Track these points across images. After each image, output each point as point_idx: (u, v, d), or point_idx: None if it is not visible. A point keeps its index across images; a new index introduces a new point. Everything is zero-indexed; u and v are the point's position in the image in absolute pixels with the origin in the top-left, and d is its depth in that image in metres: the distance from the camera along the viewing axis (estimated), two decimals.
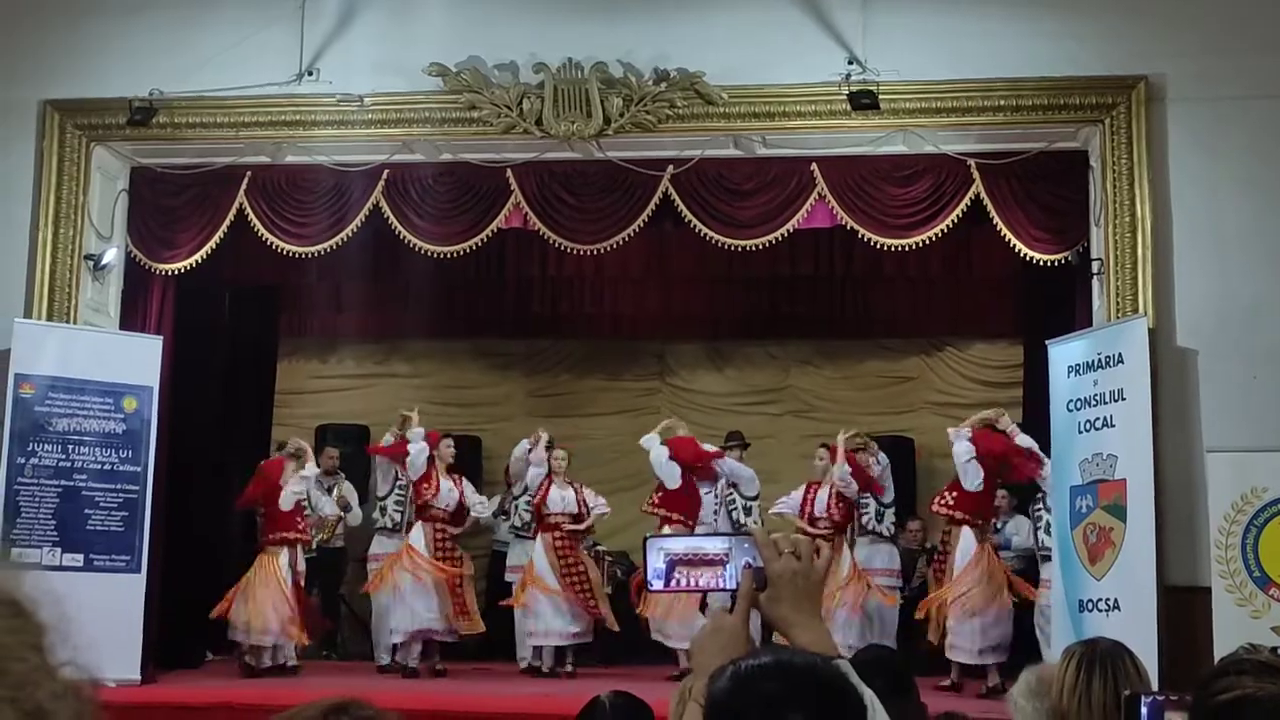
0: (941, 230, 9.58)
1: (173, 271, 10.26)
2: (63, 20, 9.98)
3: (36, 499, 9.44)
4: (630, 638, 11.24)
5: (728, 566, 2.17)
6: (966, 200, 9.49)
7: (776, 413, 14.71)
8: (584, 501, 11.27)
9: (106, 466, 9.67)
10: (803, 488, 11.14)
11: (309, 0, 9.83)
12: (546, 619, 11.01)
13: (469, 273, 12.06)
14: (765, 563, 2.12)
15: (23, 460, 9.45)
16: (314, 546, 11.96)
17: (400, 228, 10.04)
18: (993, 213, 9.45)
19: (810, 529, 10.58)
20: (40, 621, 1.24)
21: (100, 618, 8.03)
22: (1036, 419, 10.40)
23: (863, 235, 9.72)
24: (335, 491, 12.23)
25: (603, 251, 10.14)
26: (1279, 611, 8.23)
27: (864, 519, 11.53)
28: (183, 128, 9.86)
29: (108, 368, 9.73)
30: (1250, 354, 8.70)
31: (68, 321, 9.77)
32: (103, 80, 9.88)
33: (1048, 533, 9.68)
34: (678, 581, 2.22)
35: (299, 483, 10.97)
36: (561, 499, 11.21)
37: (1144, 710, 2.82)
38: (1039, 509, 10.26)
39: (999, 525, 11.38)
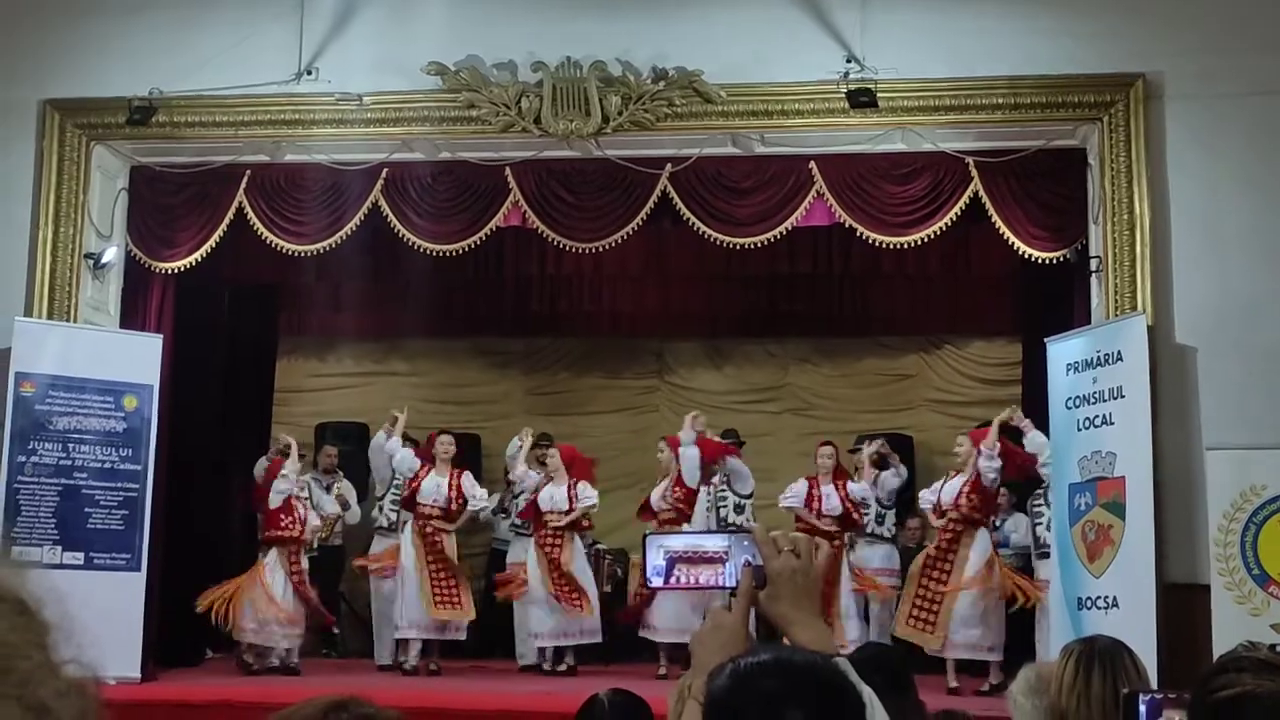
0: (940, 228, 9.59)
1: (172, 270, 10.26)
2: (62, 20, 9.99)
3: (37, 497, 9.45)
4: (630, 636, 11.22)
5: (727, 564, 2.18)
6: (965, 198, 9.49)
7: (775, 411, 14.71)
8: (574, 496, 11.23)
9: (107, 465, 9.67)
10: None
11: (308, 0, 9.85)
12: (543, 618, 11.00)
13: (468, 271, 12.06)
14: (765, 560, 2.13)
15: (23, 459, 9.45)
16: (315, 545, 11.97)
17: (399, 226, 10.04)
18: (991, 210, 9.45)
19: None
20: (44, 619, 1.24)
21: (101, 616, 8.02)
22: (1035, 417, 10.39)
23: (861, 233, 9.72)
24: (334, 490, 12.23)
25: (601, 250, 10.14)
26: (1278, 609, 8.24)
27: (866, 520, 11.55)
28: (182, 127, 9.87)
29: (108, 366, 9.73)
30: (1249, 351, 8.70)
31: (68, 320, 9.78)
32: (102, 80, 9.88)
33: (1048, 529, 9.67)
34: (677, 579, 2.22)
35: (282, 480, 10.96)
36: (551, 497, 11.21)
37: (1143, 708, 2.83)
38: (1039, 505, 10.23)
39: (998, 523, 11.39)
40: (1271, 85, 8.89)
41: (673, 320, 14.69)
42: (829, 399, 14.67)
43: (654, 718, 4.20)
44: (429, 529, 11.06)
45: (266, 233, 10.12)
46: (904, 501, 12.41)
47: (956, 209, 9.52)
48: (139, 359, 9.88)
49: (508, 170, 9.90)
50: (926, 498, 10.76)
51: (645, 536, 2.27)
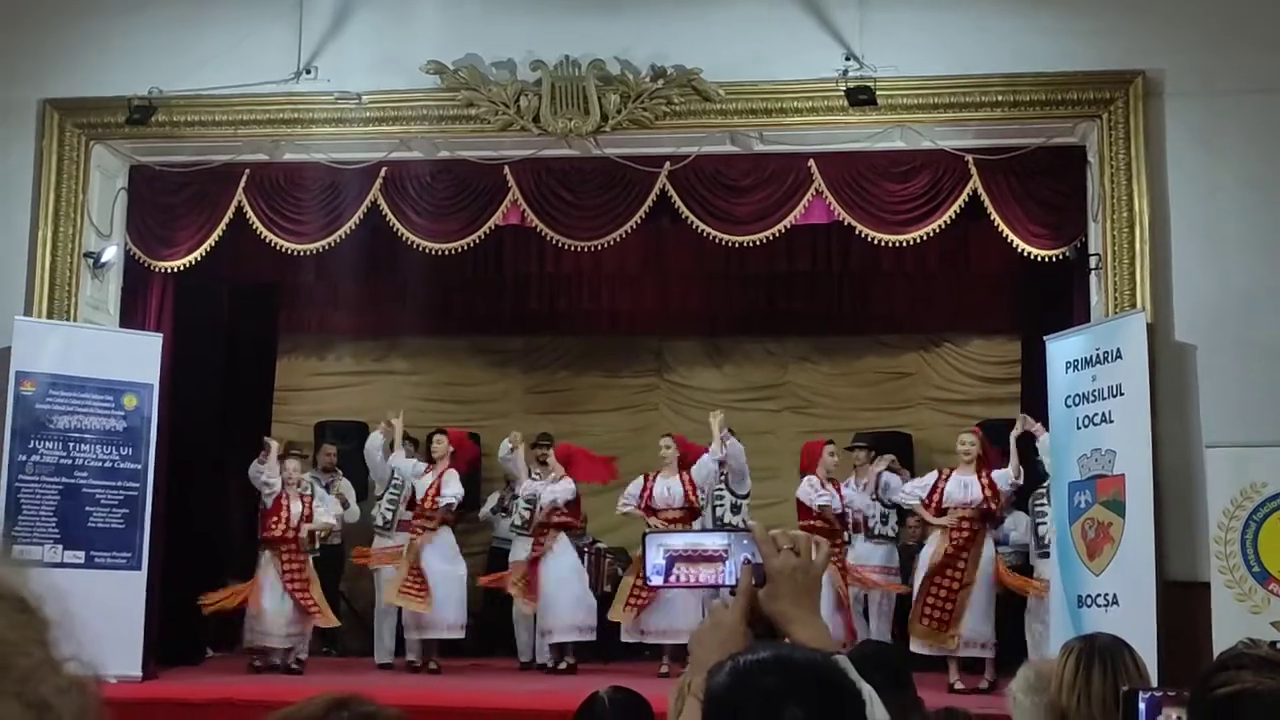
0: (939, 226, 9.59)
1: (172, 269, 10.26)
2: (62, 19, 9.99)
3: (37, 496, 9.45)
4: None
5: (727, 562, 2.18)
6: (964, 196, 9.49)
7: (775, 409, 14.71)
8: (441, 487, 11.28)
9: (107, 464, 9.67)
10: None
11: None
12: (558, 616, 11.01)
13: (467, 270, 12.06)
14: (764, 559, 2.13)
15: (24, 458, 9.45)
16: (317, 546, 12.00)
17: (398, 225, 10.04)
18: (990, 208, 9.45)
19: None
20: (44, 617, 1.25)
21: (101, 615, 8.02)
22: (1035, 415, 10.40)
23: (860, 231, 9.72)
24: (334, 489, 12.23)
25: (600, 248, 10.14)
26: (1278, 606, 8.24)
27: (870, 522, 11.55)
28: (181, 126, 9.87)
29: (108, 365, 9.73)
30: (1249, 349, 8.70)
31: (68, 319, 9.78)
32: (102, 79, 9.88)
33: (1051, 527, 9.65)
34: (677, 578, 2.22)
35: (265, 483, 11.01)
36: (550, 495, 11.27)
37: (1142, 705, 2.83)
38: (1041, 504, 10.21)
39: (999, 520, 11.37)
40: (1271, 83, 8.89)
41: (672, 319, 14.69)
42: (828, 397, 14.67)
43: (655, 716, 4.20)
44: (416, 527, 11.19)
45: (266, 232, 10.12)
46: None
47: (956, 207, 9.52)
48: (139, 358, 9.88)
49: (506, 169, 9.90)
50: (914, 493, 10.68)
51: (645, 535, 2.27)
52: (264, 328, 13.74)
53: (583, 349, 15.12)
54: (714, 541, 2.22)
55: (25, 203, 9.83)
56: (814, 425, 13.73)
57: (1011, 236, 9.46)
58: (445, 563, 11.17)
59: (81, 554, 9.46)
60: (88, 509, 9.56)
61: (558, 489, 11.28)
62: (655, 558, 2.21)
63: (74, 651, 1.25)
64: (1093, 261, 9.20)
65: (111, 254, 10.04)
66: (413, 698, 8.34)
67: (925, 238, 9.68)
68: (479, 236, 10.09)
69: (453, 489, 11.26)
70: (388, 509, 11.85)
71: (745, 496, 11.66)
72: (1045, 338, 9.44)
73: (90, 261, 9.92)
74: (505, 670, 11.24)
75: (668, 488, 11.07)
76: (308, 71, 9.73)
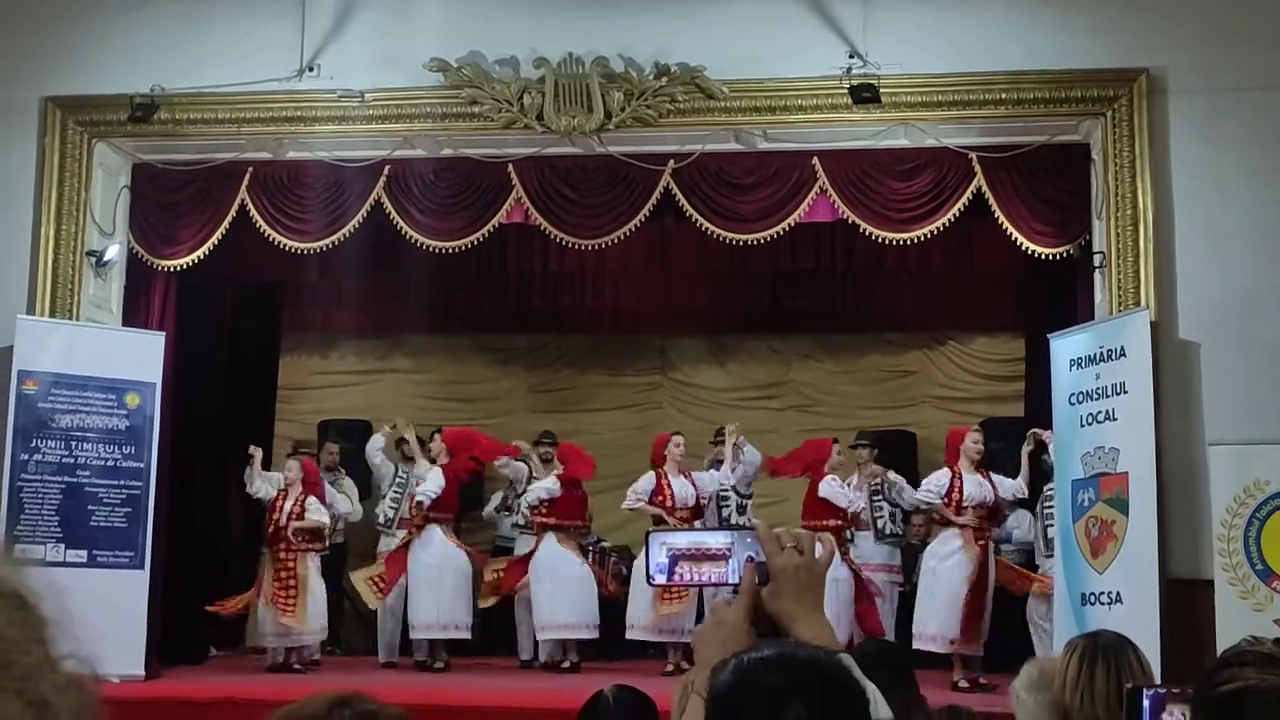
0: (943, 224, 9.58)
1: (175, 267, 10.26)
2: (64, 17, 9.99)
3: (40, 495, 9.45)
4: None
5: (730, 561, 2.17)
6: (968, 194, 9.48)
7: (778, 407, 14.70)
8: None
9: (109, 463, 9.68)
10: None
11: None
12: (544, 613, 11.01)
13: (470, 268, 12.06)
14: (768, 557, 2.12)
15: (26, 456, 9.46)
16: (327, 544, 12.08)
17: (401, 223, 10.04)
18: (994, 206, 9.44)
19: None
20: (43, 615, 1.24)
21: (104, 614, 8.01)
22: (1038, 413, 10.39)
23: (864, 229, 9.71)
24: (336, 487, 12.23)
25: (604, 246, 10.14)
26: None
27: (879, 521, 11.54)
28: (184, 124, 9.87)
29: (110, 364, 9.73)
30: (1252, 346, 8.70)
31: (70, 318, 9.78)
32: (104, 77, 9.88)
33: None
34: (680, 576, 2.22)
35: (255, 489, 11.05)
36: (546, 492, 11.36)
37: (1146, 703, 2.83)
38: (1050, 505, 10.15)
39: (1002, 518, 11.36)
40: (1273, 80, 8.89)
41: (675, 317, 14.69)
42: (832, 395, 14.66)
43: (659, 714, 4.20)
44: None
45: (269, 230, 10.12)
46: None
47: (959, 205, 9.52)
48: (141, 356, 9.88)
49: (510, 167, 9.90)
50: (935, 492, 10.44)
51: (648, 533, 2.26)
52: (267, 326, 13.74)
53: (586, 347, 15.12)
54: (717, 540, 2.21)
55: (27, 201, 9.83)
56: (818, 423, 13.73)
57: (1015, 234, 9.45)
58: (435, 560, 11.11)
59: (84, 553, 9.46)
60: (90, 508, 9.56)
61: (538, 486, 11.35)
62: (658, 556, 2.21)
63: (72, 649, 1.25)
64: (1097, 259, 9.20)
65: (114, 252, 10.04)
66: (415, 696, 8.34)
67: (929, 235, 9.67)
68: (482, 235, 10.09)
69: (425, 486, 11.27)
70: (390, 508, 11.88)
71: (749, 497, 11.66)
72: (1049, 335, 9.43)
73: (93, 260, 9.92)
74: (509, 669, 11.23)
75: (681, 486, 11.10)
76: (310, 69, 9.73)
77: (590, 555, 11.83)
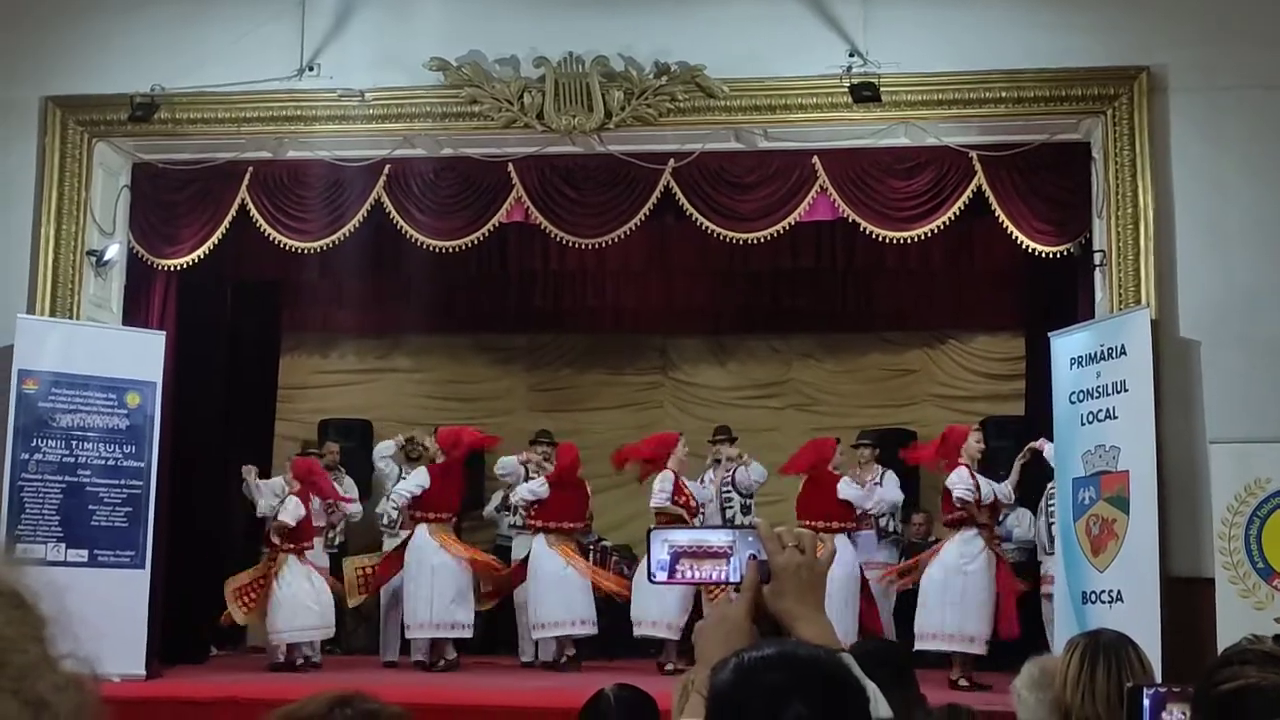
0: (943, 223, 9.58)
1: (175, 267, 10.26)
2: (64, 17, 9.99)
3: (40, 495, 9.45)
4: (630, 632, 11.19)
5: (731, 559, 2.17)
6: (968, 192, 9.48)
7: (779, 406, 14.70)
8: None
9: (110, 462, 9.67)
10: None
11: None
12: (533, 613, 11.01)
13: (470, 267, 12.05)
14: (769, 555, 2.12)
15: (26, 456, 9.45)
16: (335, 543, 12.12)
17: (401, 222, 10.04)
18: (995, 205, 9.44)
19: None
20: (41, 614, 1.24)
21: (105, 613, 8.00)
22: (1039, 411, 10.38)
23: (864, 228, 9.71)
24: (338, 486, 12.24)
25: (604, 245, 10.15)
26: None
27: (883, 520, 11.54)
28: (184, 123, 9.87)
29: (111, 363, 9.73)
30: (1253, 345, 8.70)
31: (71, 317, 9.78)
32: (104, 76, 9.88)
33: None
34: (681, 574, 2.22)
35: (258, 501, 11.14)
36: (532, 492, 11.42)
37: (1147, 701, 2.82)
38: (1054, 505, 10.14)
39: (1001, 517, 11.36)
40: (1273, 79, 8.89)
41: (676, 316, 14.69)
42: (833, 394, 14.66)
43: (660, 713, 4.20)
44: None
45: (269, 229, 10.12)
46: (908, 496, 12.43)
47: (960, 203, 9.52)
48: (142, 356, 9.88)
49: (510, 166, 9.90)
50: (969, 491, 10.26)
51: (650, 531, 2.26)
52: (267, 326, 13.74)
53: (587, 346, 15.12)
54: (719, 538, 2.21)
55: (28, 200, 9.83)
56: (818, 422, 13.74)
57: (1016, 233, 9.45)
58: (428, 560, 11.09)
59: (85, 552, 9.46)
60: (91, 507, 9.56)
61: (524, 488, 11.41)
62: (660, 553, 2.20)
63: (71, 648, 1.25)
64: (1097, 258, 9.20)
65: (114, 252, 10.03)
66: (416, 695, 8.35)
67: (929, 234, 9.67)
68: (483, 234, 10.09)
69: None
70: (393, 508, 11.90)
71: (752, 496, 11.67)
72: (1050, 334, 9.43)
73: (93, 259, 9.92)
74: (510, 668, 11.23)
75: (696, 488, 11.23)
76: (310, 69, 9.73)
77: (591, 555, 11.83)
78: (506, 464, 11.92)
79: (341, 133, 9.84)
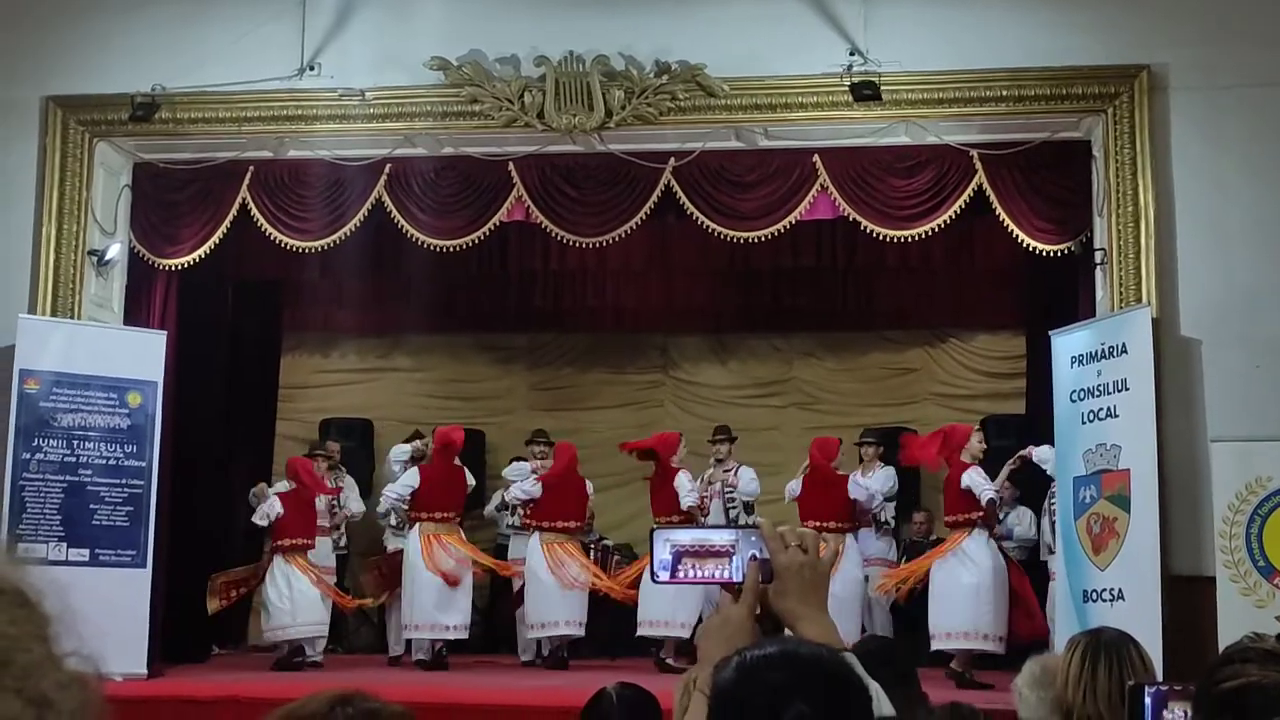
0: (944, 221, 9.58)
1: (176, 267, 10.26)
2: (64, 17, 9.99)
3: (42, 494, 9.45)
4: (631, 631, 11.19)
5: (734, 558, 2.17)
6: (969, 191, 9.48)
7: (780, 405, 14.71)
8: None
9: (111, 461, 9.67)
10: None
11: None
12: (534, 611, 11.02)
13: (471, 267, 12.05)
14: (772, 555, 2.13)
15: (28, 456, 9.45)
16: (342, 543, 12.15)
17: (402, 222, 10.04)
18: (995, 203, 9.44)
19: None
20: (45, 612, 1.24)
21: (106, 612, 8.02)
22: (1040, 410, 10.37)
23: (865, 227, 9.71)
24: (335, 485, 12.23)
25: (605, 244, 10.14)
26: None
27: (880, 514, 11.55)
28: (185, 123, 9.86)
29: (112, 363, 9.73)
30: (1254, 343, 8.70)
31: (72, 317, 9.78)
32: (105, 76, 9.88)
33: None
34: (684, 573, 2.22)
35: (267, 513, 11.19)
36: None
37: (1148, 700, 2.83)
38: (1055, 504, 10.15)
39: (1002, 516, 11.37)
40: (1272, 78, 8.89)
41: (677, 315, 14.69)
42: (834, 393, 14.66)
43: (662, 711, 4.21)
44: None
45: (270, 229, 10.12)
46: (909, 495, 12.43)
47: (960, 202, 9.51)
48: (143, 355, 9.88)
49: (511, 165, 9.90)
50: (992, 490, 10.29)
51: (652, 531, 2.26)
52: (268, 325, 13.75)
53: (587, 345, 15.12)
54: (721, 537, 2.21)
55: (29, 200, 9.83)
56: (819, 421, 13.74)
57: (1016, 231, 9.45)
58: (417, 559, 11.10)
59: (86, 552, 9.46)
60: (92, 507, 9.55)
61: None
62: (662, 552, 2.21)
63: (75, 647, 1.25)
64: (1098, 256, 9.20)
65: (115, 251, 10.03)
66: (417, 694, 8.34)
67: (930, 233, 9.66)
68: (483, 233, 10.09)
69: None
70: (381, 510, 11.95)
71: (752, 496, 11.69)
72: (1050, 333, 9.43)
73: (94, 259, 9.92)
74: (511, 667, 11.23)
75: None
76: (311, 68, 9.73)
77: (593, 554, 11.83)
78: (520, 469, 11.92)
79: (342, 132, 9.84)
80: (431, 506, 11.15)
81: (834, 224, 10.60)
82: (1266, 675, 2.39)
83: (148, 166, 10.28)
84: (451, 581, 10.85)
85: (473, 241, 10.13)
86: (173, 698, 8.89)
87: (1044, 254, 9.53)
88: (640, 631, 10.87)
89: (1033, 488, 10.71)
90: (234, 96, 9.73)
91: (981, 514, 10.19)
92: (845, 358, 14.80)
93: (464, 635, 11.11)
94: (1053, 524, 10.26)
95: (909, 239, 9.80)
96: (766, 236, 9.87)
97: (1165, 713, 2.80)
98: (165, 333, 10.17)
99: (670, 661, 10.43)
